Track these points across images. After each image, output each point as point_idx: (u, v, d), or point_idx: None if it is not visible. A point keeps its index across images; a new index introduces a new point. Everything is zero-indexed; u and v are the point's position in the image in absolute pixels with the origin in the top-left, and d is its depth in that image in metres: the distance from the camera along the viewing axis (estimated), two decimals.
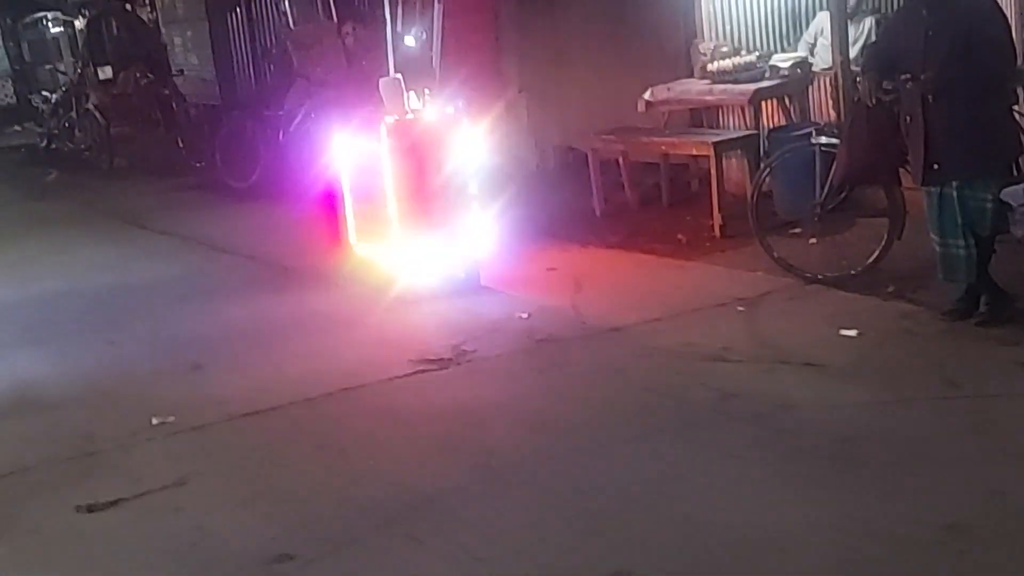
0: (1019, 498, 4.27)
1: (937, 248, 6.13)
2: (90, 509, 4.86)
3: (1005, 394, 5.23)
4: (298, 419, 5.73)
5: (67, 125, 16.83)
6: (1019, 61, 6.24)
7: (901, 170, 6.44)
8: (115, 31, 16.87)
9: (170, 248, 10.22)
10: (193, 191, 13.23)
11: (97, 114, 15.77)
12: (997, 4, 6.19)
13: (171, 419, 5.76)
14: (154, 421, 5.76)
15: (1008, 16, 6.32)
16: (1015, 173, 6.08)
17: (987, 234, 6.01)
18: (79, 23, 18.25)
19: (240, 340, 7.11)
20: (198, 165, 14.20)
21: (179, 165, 14.72)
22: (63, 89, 17.61)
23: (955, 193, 5.97)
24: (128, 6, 17.66)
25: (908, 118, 6.04)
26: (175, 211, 11.99)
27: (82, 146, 16.33)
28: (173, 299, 8.29)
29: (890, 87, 6.12)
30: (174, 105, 15.49)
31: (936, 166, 5.96)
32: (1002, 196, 5.85)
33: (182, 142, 15.13)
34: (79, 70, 17.02)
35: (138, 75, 15.69)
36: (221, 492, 4.96)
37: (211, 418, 5.78)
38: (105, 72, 16.07)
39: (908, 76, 5.97)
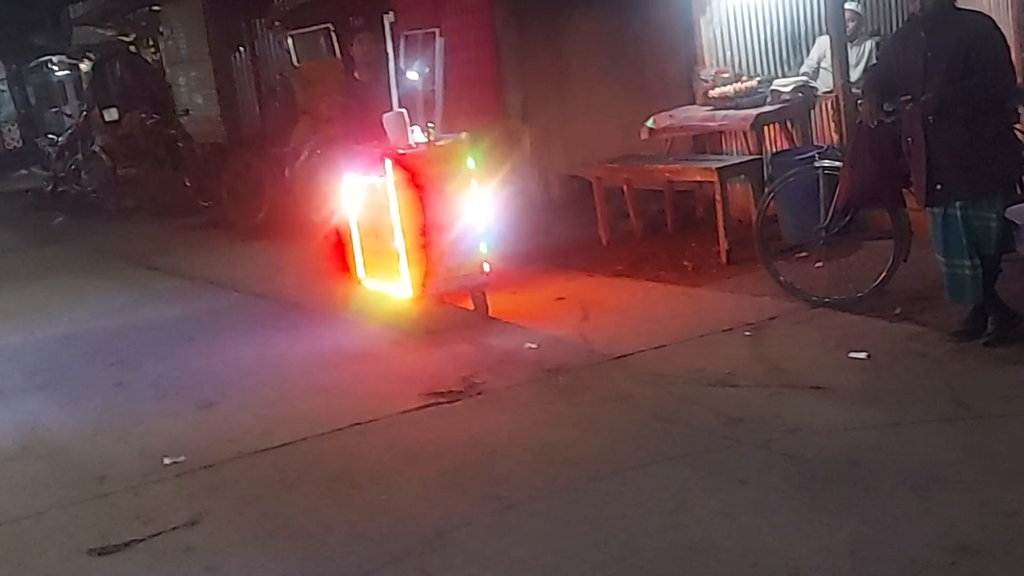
0: None
1: (943, 269, 6.14)
2: (102, 552, 4.86)
3: (1015, 414, 5.21)
4: (309, 455, 5.73)
5: (74, 168, 16.93)
6: (1019, 80, 6.23)
7: (905, 191, 6.45)
8: (120, 73, 17.00)
9: (178, 288, 10.26)
10: (200, 230, 13.31)
11: (104, 156, 15.87)
12: (995, 24, 6.19)
13: (182, 459, 5.78)
14: (166, 461, 5.77)
15: (1006, 35, 6.32)
16: (1018, 191, 6.08)
17: (992, 253, 6.01)
18: (84, 66, 18.42)
19: (250, 377, 7.14)
20: (205, 204, 14.29)
21: (186, 205, 14.80)
22: (69, 132, 17.73)
23: (959, 213, 5.98)
24: (132, 48, 17.77)
25: (910, 139, 6.05)
26: (183, 251, 12.07)
27: (89, 188, 16.42)
28: (182, 338, 8.33)
29: (891, 109, 6.14)
30: (180, 145, 15.57)
31: (939, 187, 5.97)
32: (1006, 215, 5.85)
33: (189, 182, 15.19)
34: (85, 113, 17.17)
35: (144, 116, 15.80)
36: (233, 531, 4.97)
37: (222, 456, 5.78)
38: (111, 114, 16.20)
39: (908, 98, 5.99)
